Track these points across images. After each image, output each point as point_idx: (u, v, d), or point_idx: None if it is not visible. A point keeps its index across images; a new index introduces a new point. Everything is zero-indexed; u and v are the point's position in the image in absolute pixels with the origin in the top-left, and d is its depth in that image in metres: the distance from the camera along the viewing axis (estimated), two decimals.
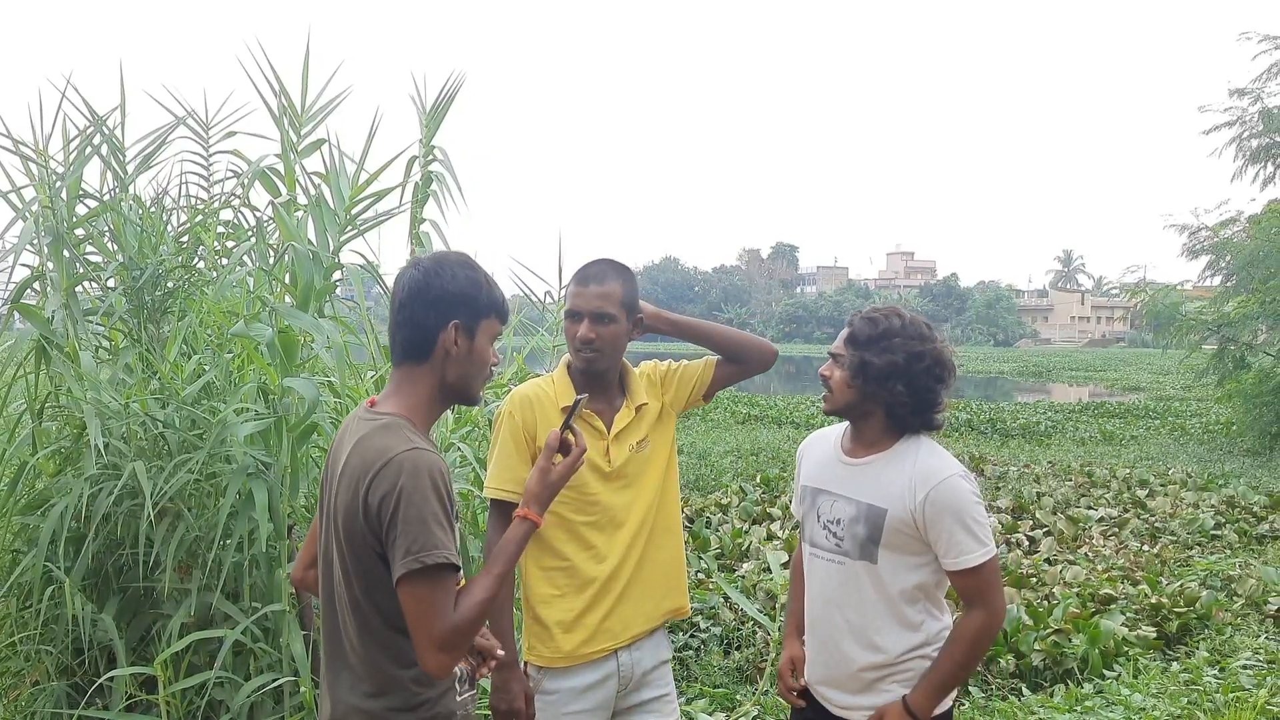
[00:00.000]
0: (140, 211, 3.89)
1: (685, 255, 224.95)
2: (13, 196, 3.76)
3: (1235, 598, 6.83)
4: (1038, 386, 39.96)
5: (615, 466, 2.76)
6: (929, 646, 2.58)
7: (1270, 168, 18.76)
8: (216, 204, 4.41)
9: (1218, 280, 19.40)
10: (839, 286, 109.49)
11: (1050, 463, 14.06)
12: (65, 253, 3.71)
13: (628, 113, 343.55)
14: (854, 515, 2.59)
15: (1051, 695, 5.11)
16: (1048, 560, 8.05)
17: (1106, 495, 11.21)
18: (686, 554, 7.76)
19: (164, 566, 3.43)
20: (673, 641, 5.82)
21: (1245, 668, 5.28)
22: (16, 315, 3.76)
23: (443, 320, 2.06)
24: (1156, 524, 9.66)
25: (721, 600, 6.35)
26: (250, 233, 4.23)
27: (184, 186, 4.39)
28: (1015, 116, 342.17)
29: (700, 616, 6.14)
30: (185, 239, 4.18)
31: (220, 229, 4.36)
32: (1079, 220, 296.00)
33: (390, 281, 4.29)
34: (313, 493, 4.00)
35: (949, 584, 2.61)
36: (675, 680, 5.35)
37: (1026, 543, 8.81)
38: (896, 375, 2.54)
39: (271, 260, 4.07)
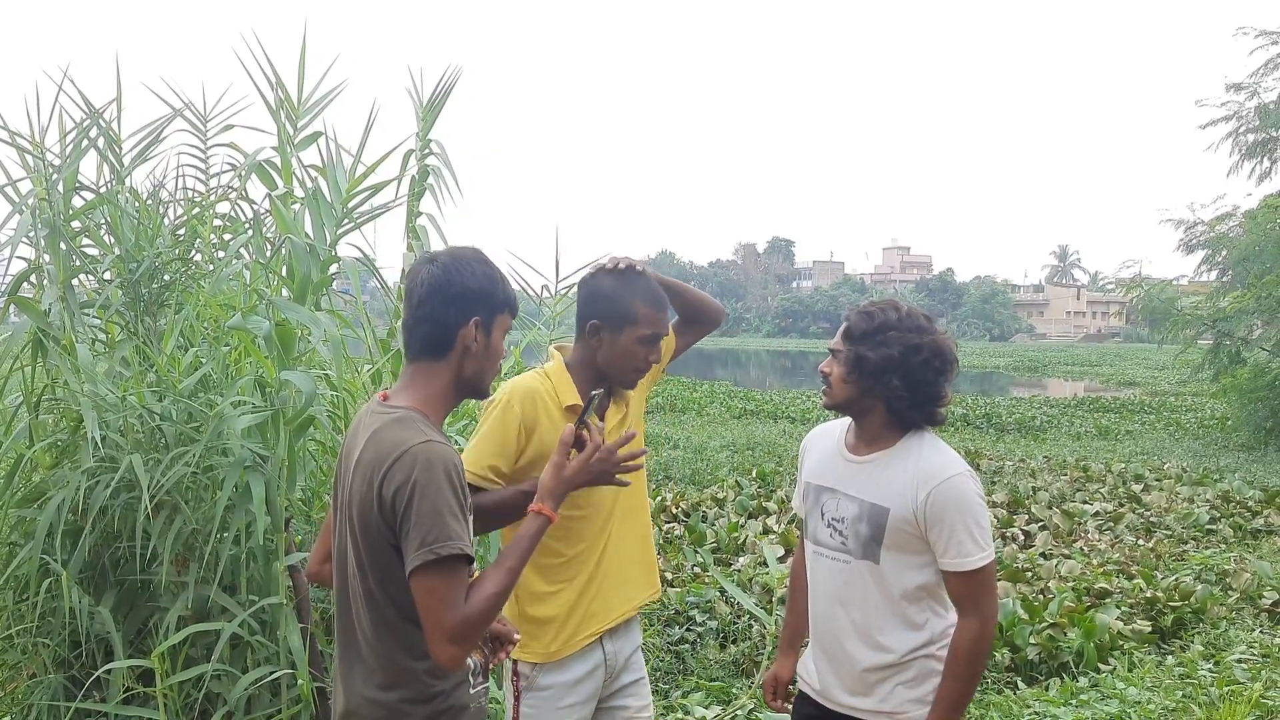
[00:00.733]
0: (137, 204, 3.88)
1: (681, 250, 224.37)
2: (9, 189, 3.75)
3: (1230, 592, 6.85)
4: (1033, 381, 40.00)
5: None
6: (934, 645, 2.55)
7: (1266, 162, 18.82)
8: (213, 197, 4.40)
9: (1214, 275, 19.48)
10: (835, 281, 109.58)
11: (1046, 457, 14.09)
12: (62, 245, 3.71)
13: (624, 107, 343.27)
14: (857, 514, 2.57)
15: (1047, 689, 5.12)
16: (1043, 554, 8.07)
17: (1102, 490, 11.24)
18: (683, 547, 7.84)
19: (161, 559, 3.43)
20: (669, 635, 5.86)
21: (1240, 662, 5.30)
22: (13, 308, 3.75)
23: (463, 317, 2.08)
24: (1152, 519, 9.69)
25: (717, 594, 6.36)
26: (247, 226, 4.23)
27: (181, 179, 4.38)
28: (1011, 111, 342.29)
29: (696, 610, 6.15)
30: (182, 232, 4.18)
31: (217, 222, 4.35)
32: (1075, 215, 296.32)
33: (387, 275, 4.33)
34: (310, 485, 4.01)
35: None
36: (670, 674, 5.41)
37: (1022, 537, 8.83)
38: (893, 369, 2.50)
39: (268, 253, 4.07)
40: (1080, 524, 9.40)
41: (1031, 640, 5.64)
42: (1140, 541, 8.73)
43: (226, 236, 4.34)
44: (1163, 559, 7.99)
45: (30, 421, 3.73)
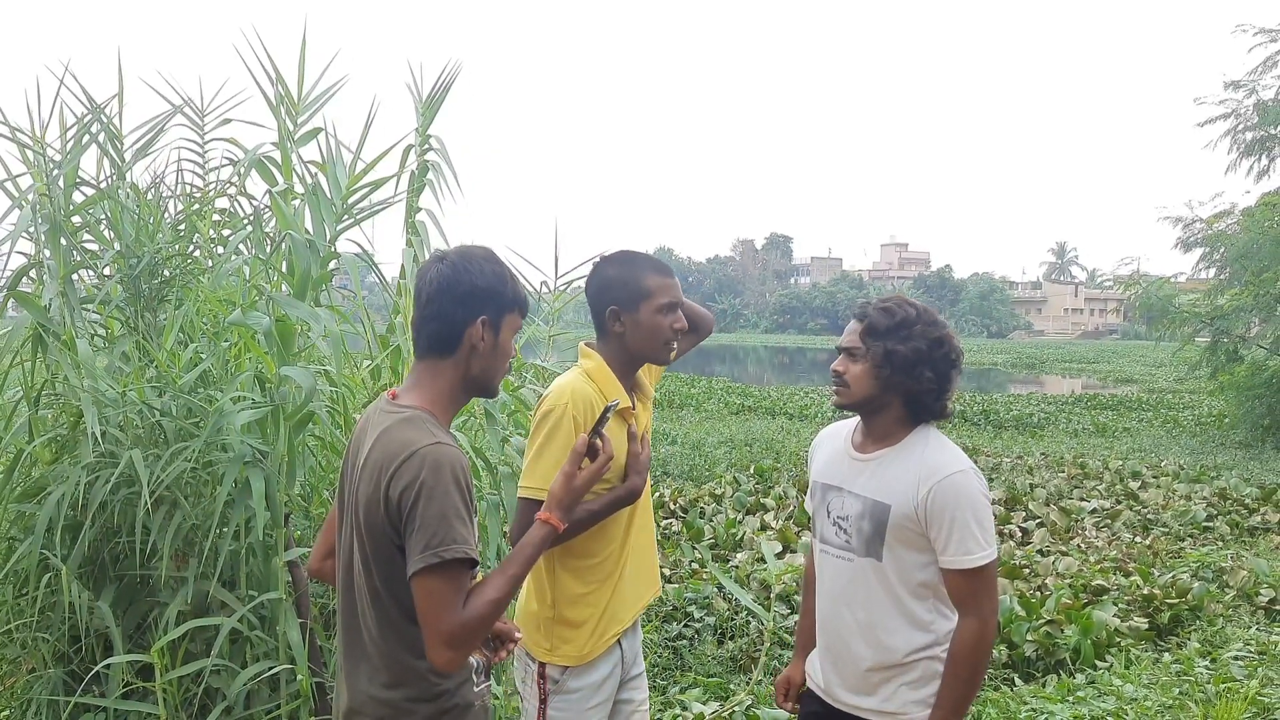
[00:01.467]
0: (137, 200, 3.88)
1: (679, 246, 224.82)
2: (9, 184, 3.75)
3: (1227, 589, 6.87)
4: (1031, 378, 40.01)
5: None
6: (938, 647, 2.55)
7: (1265, 160, 18.84)
8: (212, 192, 4.40)
9: (1211, 272, 19.49)
10: (833, 278, 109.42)
11: (1043, 454, 14.11)
12: (62, 240, 3.70)
13: (623, 104, 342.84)
14: (860, 511, 2.58)
15: (1044, 685, 5.14)
16: (1040, 551, 8.09)
17: (1099, 487, 11.26)
18: (680, 543, 7.86)
19: (161, 554, 3.43)
20: (667, 631, 5.87)
21: (1236, 659, 5.31)
22: (13, 303, 3.74)
23: (470, 315, 2.09)
24: (1149, 516, 9.71)
25: (715, 590, 6.37)
26: (247, 221, 4.22)
27: (180, 175, 4.38)
28: (1010, 108, 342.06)
29: (694, 606, 6.16)
30: (182, 227, 4.17)
31: (216, 217, 4.35)
32: (1073, 212, 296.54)
33: (386, 271, 4.33)
34: (309, 481, 4.01)
35: None
36: (669, 669, 5.43)
37: (1019, 534, 8.85)
38: (923, 362, 2.52)
39: (268, 249, 4.07)
40: (1078, 521, 9.42)
41: (1029, 637, 5.65)
42: (1137, 539, 8.75)
43: (226, 232, 4.33)
44: (1160, 556, 8.01)
45: (30, 416, 3.73)
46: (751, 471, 11.72)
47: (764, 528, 8.65)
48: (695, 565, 7.26)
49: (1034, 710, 4.66)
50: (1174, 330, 19.28)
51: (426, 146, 4.29)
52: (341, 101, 4.17)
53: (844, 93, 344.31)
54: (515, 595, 2.08)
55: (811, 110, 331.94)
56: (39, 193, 3.67)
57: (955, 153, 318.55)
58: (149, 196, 4.06)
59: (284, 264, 3.89)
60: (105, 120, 3.96)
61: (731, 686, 5.14)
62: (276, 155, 4.05)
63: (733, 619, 6.07)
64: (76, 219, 3.88)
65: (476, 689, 2.17)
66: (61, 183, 3.74)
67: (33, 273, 3.83)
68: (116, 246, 3.77)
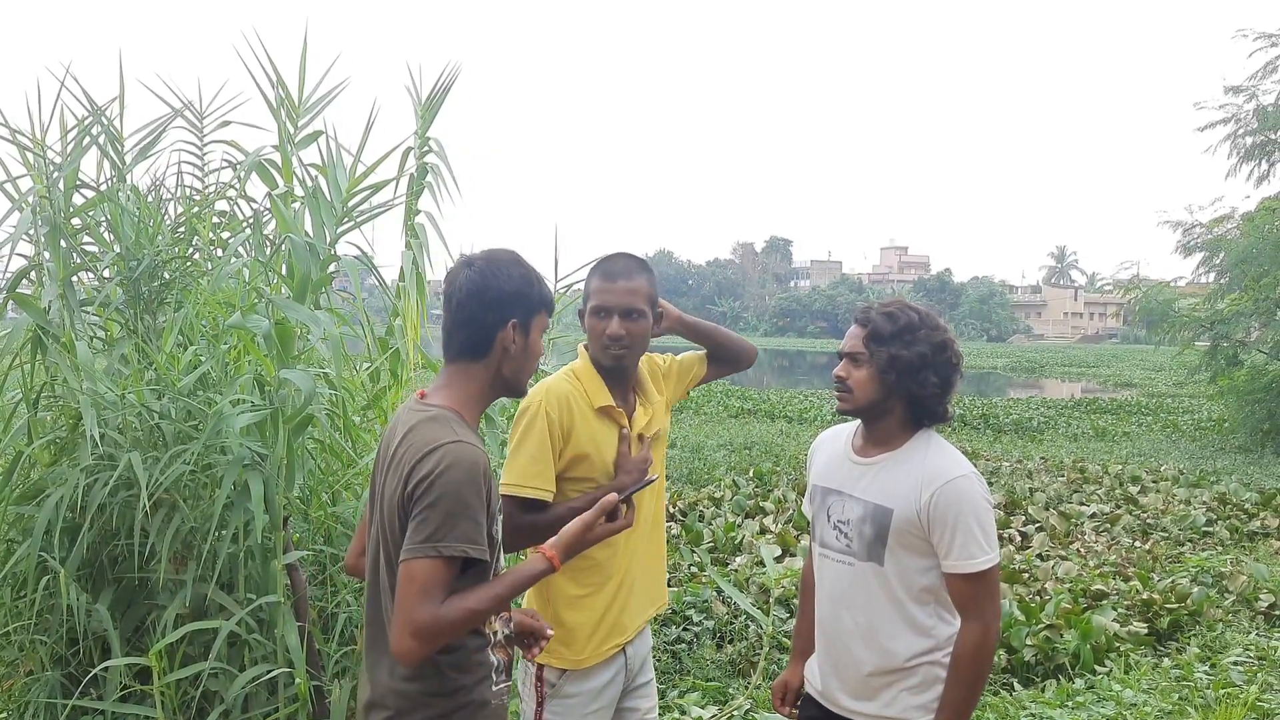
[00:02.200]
0: (137, 202, 3.88)
1: (679, 249, 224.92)
2: (9, 186, 3.75)
3: (1226, 594, 6.87)
4: (1031, 382, 40.03)
5: None
6: (939, 652, 2.54)
7: (1265, 165, 18.82)
8: (212, 195, 4.39)
9: (1211, 277, 19.48)
10: (833, 281, 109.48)
11: (1043, 458, 14.10)
12: (62, 243, 3.70)
13: (622, 107, 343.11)
14: (861, 515, 2.57)
15: (1043, 690, 5.13)
16: (1040, 556, 8.08)
17: (1099, 491, 11.25)
18: (680, 547, 7.85)
19: (159, 557, 3.43)
20: (666, 635, 5.86)
21: (1236, 664, 5.31)
22: (12, 304, 3.74)
23: (501, 319, 2.15)
24: (1148, 520, 9.70)
25: (714, 594, 6.36)
26: (246, 224, 4.22)
27: (180, 177, 4.38)
28: (1010, 112, 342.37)
29: (693, 610, 6.15)
30: (182, 230, 4.17)
31: (216, 220, 4.34)
32: (1073, 216, 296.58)
33: (386, 274, 4.33)
34: (308, 484, 4.01)
35: None
36: (668, 673, 5.42)
37: (1019, 538, 8.84)
38: (927, 366, 2.53)
39: (268, 252, 4.07)
40: (1077, 525, 9.41)
41: (1028, 642, 5.64)
42: (1137, 543, 8.74)
43: (225, 234, 4.33)
44: (1159, 561, 8.00)
45: (29, 419, 3.73)
46: (751, 475, 11.70)
47: (763, 531, 8.64)
48: (694, 569, 7.26)
49: (1033, 715, 4.66)
50: (1174, 335, 19.28)
51: (426, 149, 4.29)
52: (342, 104, 4.18)
53: (844, 96, 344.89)
54: (494, 614, 2.11)
55: (811, 113, 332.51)
56: (39, 195, 3.67)
57: (955, 156, 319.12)
58: (149, 199, 4.06)
59: (284, 267, 3.89)
60: (106, 122, 3.97)
61: (730, 691, 5.14)
62: (277, 158, 4.05)
63: (731, 623, 6.06)
64: (76, 221, 3.89)
65: (495, 688, 2.19)
66: (62, 185, 3.74)
67: (32, 275, 3.84)
68: (116, 249, 3.77)
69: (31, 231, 3.67)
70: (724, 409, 21.65)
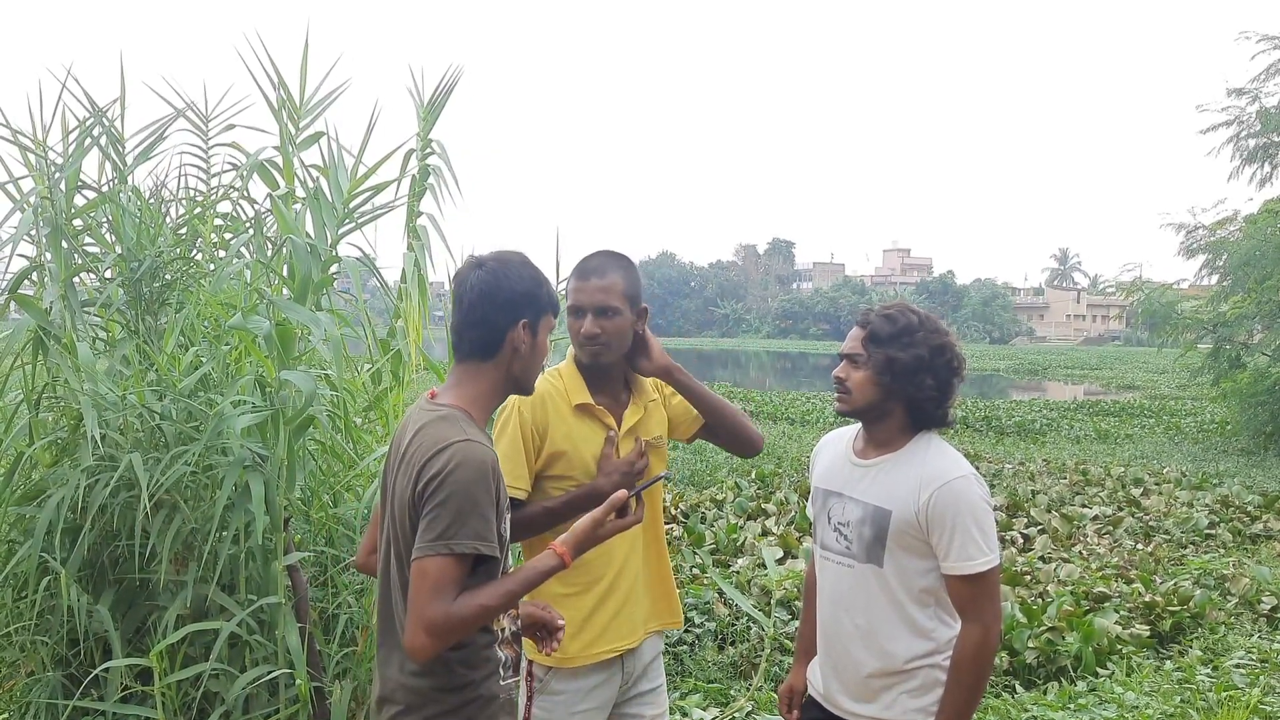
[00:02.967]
0: (139, 203, 3.88)
1: (682, 250, 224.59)
2: (11, 187, 3.75)
3: (1229, 597, 6.86)
4: (1033, 384, 39.99)
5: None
6: (939, 655, 2.53)
7: (1267, 167, 18.80)
8: (215, 196, 4.40)
9: (1214, 279, 19.45)
10: (835, 283, 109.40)
11: (1045, 460, 14.09)
12: (63, 244, 3.71)
13: (625, 108, 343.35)
14: (861, 517, 2.57)
15: (1045, 693, 5.12)
16: (1042, 558, 8.07)
17: (1101, 493, 11.24)
18: (681, 548, 7.84)
19: (160, 558, 3.43)
20: (667, 637, 5.85)
21: (1238, 667, 5.30)
22: (13, 305, 3.75)
23: (511, 320, 2.19)
24: (1151, 523, 9.69)
25: (716, 596, 6.35)
26: (248, 225, 4.23)
27: (183, 179, 4.39)
28: (1013, 114, 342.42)
29: (695, 612, 6.15)
30: (183, 231, 4.18)
31: (218, 221, 4.35)
32: (1075, 218, 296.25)
33: (388, 275, 4.33)
34: (309, 485, 4.01)
35: None
36: (669, 675, 5.41)
37: (1021, 540, 8.83)
38: (924, 369, 2.53)
39: (269, 253, 4.07)
40: (1079, 528, 9.40)
41: (1030, 644, 5.64)
42: (1139, 546, 8.73)
43: (228, 236, 4.34)
44: (1161, 563, 7.99)
45: (30, 419, 3.73)
46: (753, 477, 11.70)
47: (765, 533, 8.63)
48: (696, 570, 7.25)
49: (1035, 717, 4.65)
50: (1176, 337, 19.27)
51: (428, 150, 4.29)
52: (343, 105, 4.19)
53: (847, 98, 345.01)
54: (505, 610, 2.14)
55: (814, 115, 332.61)
56: (40, 196, 3.67)
57: (958, 158, 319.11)
58: (151, 200, 4.06)
59: (285, 268, 3.89)
60: (107, 123, 3.97)
61: (732, 692, 5.14)
62: (278, 159, 4.06)
63: (733, 625, 6.06)
64: (78, 222, 3.89)
65: (503, 682, 2.20)
66: (63, 186, 3.75)
67: (34, 275, 3.84)
68: (118, 250, 3.78)
69: (33, 232, 3.68)
70: None
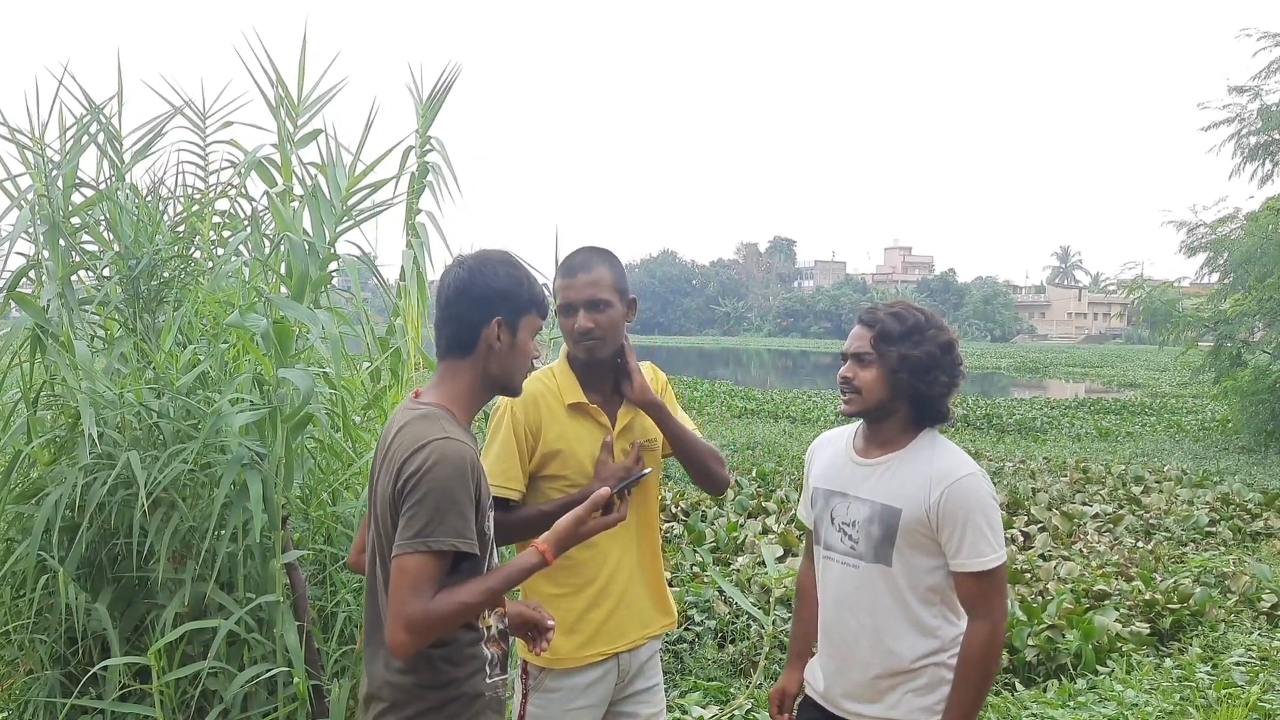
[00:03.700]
0: (136, 201, 3.88)
1: (683, 249, 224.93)
2: (8, 184, 3.75)
3: (1229, 595, 6.86)
4: (1034, 382, 39.99)
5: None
6: (945, 653, 2.53)
7: (1269, 165, 18.79)
8: (212, 194, 4.39)
9: (1215, 277, 19.45)
10: (836, 281, 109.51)
11: (1046, 458, 14.09)
12: (61, 241, 3.70)
13: (625, 106, 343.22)
14: (868, 516, 2.56)
15: (1045, 690, 5.12)
16: (1042, 556, 8.07)
17: (1102, 491, 11.24)
18: (681, 546, 7.84)
19: (158, 556, 3.43)
20: (667, 635, 5.85)
21: (1238, 664, 5.30)
22: (11, 303, 3.74)
23: (486, 317, 2.18)
24: (1151, 520, 9.69)
25: (716, 594, 6.35)
26: (246, 223, 4.22)
27: (180, 176, 4.38)
28: (1014, 112, 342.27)
29: (695, 610, 6.15)
30: (181, 229, 4.17)
31: (216, 219, 4.34)
32: (1076, 216, 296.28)
33: (387, 273, 4.33)
34: (307, 483, 4.01)
35: None
36: (669, 673, 5.41)
37: (1021, 538, 8.83)
38: (936, 366, 2.53)
39: (267, 251, 4.06)
40: (1080, 526, 9.39)
41: (1030, 642, 5.64)
42: (1139, 544, 8.73)
43: (226, 234, 4.33)
44: (1162, 561, 7.99)
45: (28, 417, 3.73)
46: (753, 475, 11.69)
47: (765, 531, 8.63)
48: (696, 569, 7.25)
49: (1035, 715, 4.65)
50: (1177, 335, 19.27)
51: (427, 148, 4.28)
52: (342, 103, 4.18)
53: (848, 96, 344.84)
54: (488, 608, 2.15)
55: (815, 113, 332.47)
56: (38, 193, 3.67)
57: (959, 156, 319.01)
58: (148, 198, 4.06)
59: (283, 266, 3.89)
60: (104, 121, 3.96)
61: (732, 690, 5.13)
62: (276, 156, 4.05)
63: (733, 623, 6.06)
64: (75, 220, 3.89)
65: (489, 680, 2.20)
66: (60, 183, 3.74)
67: (31, 273, 3.84)
68: (115, 248, 3.77)
69: (30, 230, 3.67)
70: (727, 409, 21.64)
